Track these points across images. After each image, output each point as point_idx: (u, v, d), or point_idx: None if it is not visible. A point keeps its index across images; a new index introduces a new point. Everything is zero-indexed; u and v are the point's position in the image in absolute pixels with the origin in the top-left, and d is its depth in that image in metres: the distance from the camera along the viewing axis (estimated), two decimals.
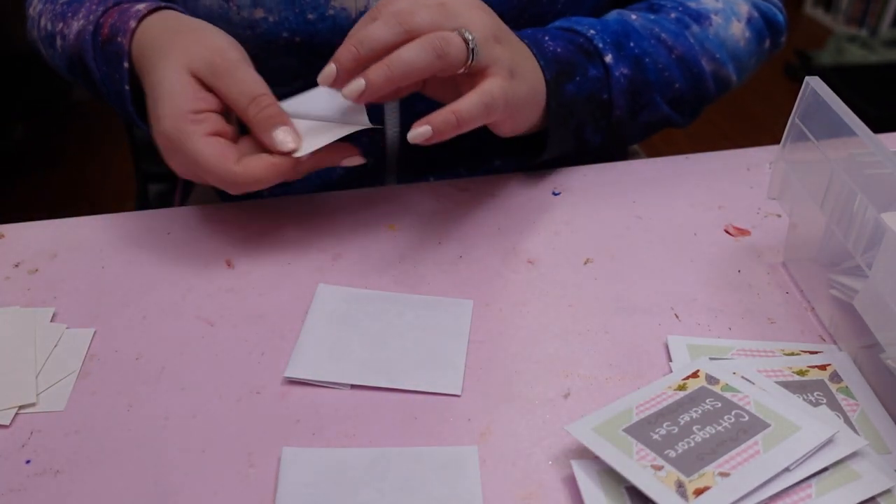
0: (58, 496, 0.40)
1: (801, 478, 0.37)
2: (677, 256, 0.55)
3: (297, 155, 0.50)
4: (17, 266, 0.54)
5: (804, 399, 0.42)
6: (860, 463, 0.38)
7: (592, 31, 0.60)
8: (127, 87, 0.56)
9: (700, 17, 0.65)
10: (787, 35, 0.72)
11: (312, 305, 0.50)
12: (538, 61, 0.56)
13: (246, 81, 0.51)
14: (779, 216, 0.58)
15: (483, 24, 0.51)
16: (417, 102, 0.67)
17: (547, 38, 0.58)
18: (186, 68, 0.51)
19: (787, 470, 0.37)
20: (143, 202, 0.92)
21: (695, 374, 0.43)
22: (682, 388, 0.42)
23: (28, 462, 0.41)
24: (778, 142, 0.51)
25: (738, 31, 0.66)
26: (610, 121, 0.61)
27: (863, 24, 2.72)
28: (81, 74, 0.63)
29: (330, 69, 0.49)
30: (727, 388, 0.42)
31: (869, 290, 0.41)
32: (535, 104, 0.56)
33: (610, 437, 0.39)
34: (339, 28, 0.62)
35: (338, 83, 0.49)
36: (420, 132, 0.49)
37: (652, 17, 0.64)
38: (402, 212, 0.59)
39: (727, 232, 0.57)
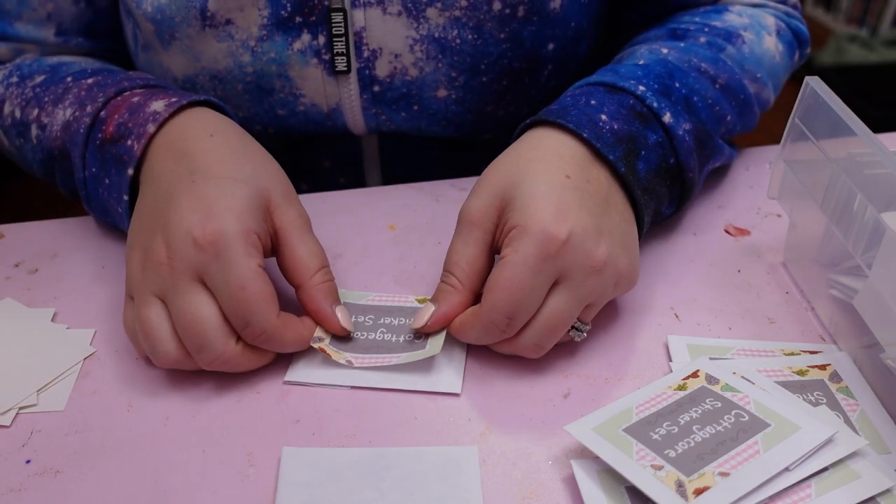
0: (58, 496, 0.40)
1: (801, 477, 0.37)
2: (677, 256, 0.55)
3: (350, 358, 0.46)
4: (17, 266, 0.54)
5: (804, 399, 0.42)
6: (860, 463, 0.38)
7: (642, 88, 0.51)
8: (126, 197, 0.49)
9: (731, 36, 0.58)
10: (809, 48, 0.67)
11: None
12: (606, 156, 0.47)
13: (318, 245, 0.46)
14: (779, 216, 0.58)
15: (602, 288, 0.44)
16: (401, 163, 0.67)
17: (594, 104, 0.49)
18: (268, 193, 0.45)
19: (786, 470, 0.37)
20: None
21: (695, 374, 0.43)
22: (682, 388, 0.42)
23: (28, 462, 0.41)
24: (778, 142, 0.51)
25: (772, 45, 0.60)
26: (684, 185, 0.52)
27: (863, 24, 2.72)
28: (60, 171, 0.55)
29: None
30: (727, 387, 0.42)
31: (869, 290, 0.41)
32: (630, 224, 0.48)
33: (609, 437, 0.39)
34: (312, 121, 0.62)
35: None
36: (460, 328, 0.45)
37: (682, 45, 0.56)
38: (402, 212, 0.59)
39: (727, 232, 0.57)
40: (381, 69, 0.59)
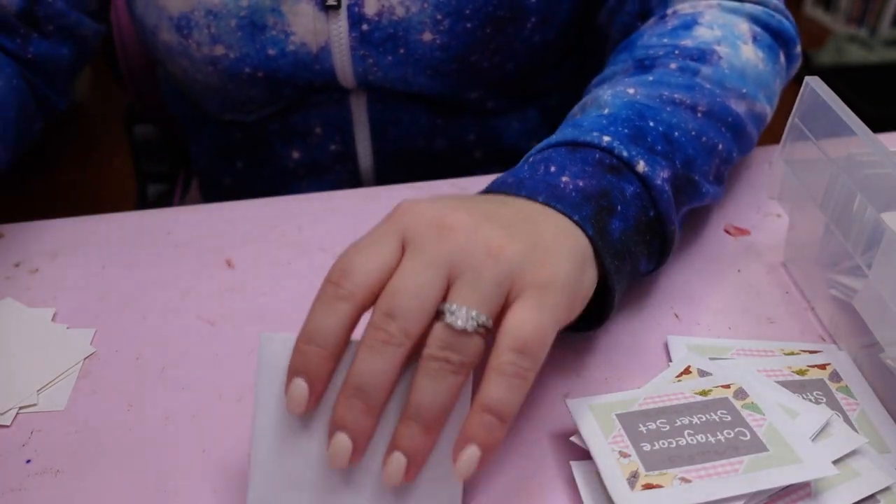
0: (58, 496, 0.40)
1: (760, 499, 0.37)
2: (677, 256, 0.55)
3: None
4: (17, 266, 0.54)
5: (804, 398, 0.42)
6: (860, 461, 0.38)
7: (607, 138, 0.45)
8: None
9: (704, 55, 0.52)
10: (797, 47, 0.61)
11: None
12: (568, 217, 0.41)
13: None
14: (779, 216, 0.58)
15: (464, 253, 0.36)
16: (390, 127, 0.67)
17: (553, 169, 0.43)
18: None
19: (756, 494, 0.36)
20: (142, 202, 0.92)
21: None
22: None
23: (28, 462, 0.41)
24: (778, 142, 0.51)
25: (751, 54, 0.54)
26: (665, 240, 0.47)
27: (863, 24, 2.72)
28: None
29: (297, 396, 0.35)
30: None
31: (868, 290, 0.41)
32: (586, 276, 0.40)
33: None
34: (301, 62, 0.62)
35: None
36: (466, 464, 0.34)
37: (650, 79, 0.51)
38: None
39: (727, 232, 0.57)
40: (370, 7, 0.60)
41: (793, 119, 0.48)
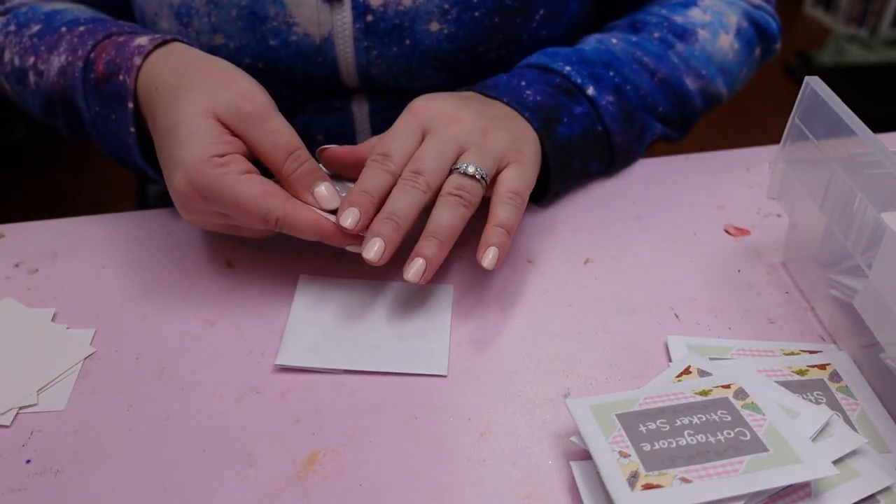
0: (58, 496, 0.40)
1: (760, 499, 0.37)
2: (677, 256, 0.55)
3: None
4: (17, 266, 0.54)
5: (804, 398, 0.42)
6: (860, 461, 0.38)
7: (568, 68, 0.59)
8: (132, 129, 0.53)
9: (686, 33, 0.64)
10: (787, 35, 0.69)
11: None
12: (523, 115, 0.55)
13: (281, 132, 0.49)
14: (779, 216, 0.58)
15: (469, 135, 0.50)
16: (389, 105, 0.67)
17: (524, 84, 0.57)
18: (211, 112, 0.48)
19: (756, 494, 0.36)
20: (142, 202, 0.92)
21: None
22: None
23: (28, 462, 0.41)
24: (778, 142, 0.51)
25: (726, 43, 0.65)
26: (612, 149, 0.61)
27: (863, 24, 2.72)
28: (63, 114, 0.59)
29: (353, 217, 0.47)
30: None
31: (869, 290, 0.41)
32: (538, 159, 0.55)
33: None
34: (303, 54, 0.61)
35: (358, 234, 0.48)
36: (491, 258, 0.47)
37: (634, 38, 0.63)
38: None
39: (727, 232, 0.57)
40: None
41: (793, 119, 0.48)
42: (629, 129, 0.61)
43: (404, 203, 0.47)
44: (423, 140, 0.50)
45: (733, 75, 0.67)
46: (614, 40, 0.62)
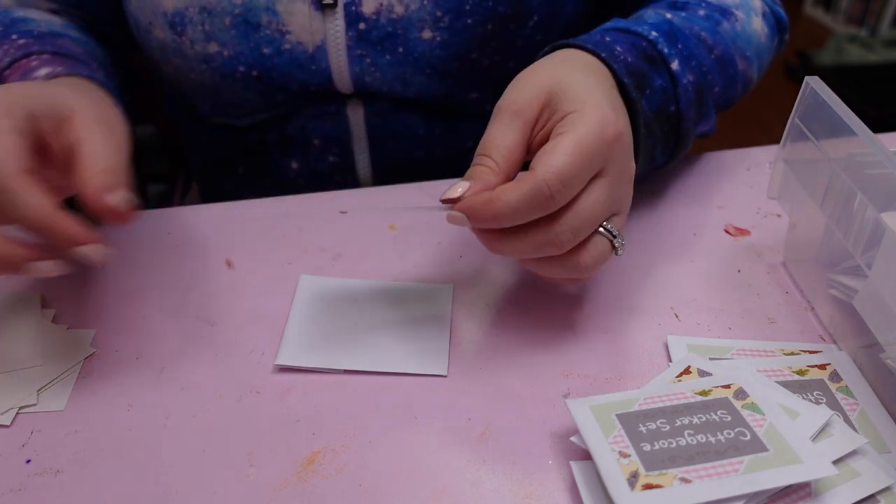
0: (58, 496, 0.40)
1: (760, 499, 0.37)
2: (677, 256, 0.55)
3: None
4: None
5: (804, 398, 0.42)
6: (860, 461, 0.38)
7: (655, 34, 0.53)
8: None
9: (726, 12, 0.59)
10: (788, 35, 0.69)
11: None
12: (618, 78, 0.48)
13: (104, 144, 0.43)
14: (779, 216, 0.58)
15: (628, 198, 0.45)
16: (388, 141, 0.67)
17: (608, 39, 0.51)
18: (32, 102, 0.43)
19: (756, 494, 0.36)
20: (142, 202, 0.92)
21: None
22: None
23: (28, 462, 0.41)
24: (778, 142, 0.51)
25: (759, 26, 0.62)
26: (678, 136, 0.54)
27: (863, 24, 2.72)
28: None
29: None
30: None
31: (869, 290, 0.41)
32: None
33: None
34: (297, 62, 0.61)
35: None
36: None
37: (683, 14, 0.58)
38: (401, 211, 0.59)
39: (727, 232, 0.57)
40: (368, 5, 0.59)
41: (793, 119, 0.48)
42: (696, 115, 0.55)
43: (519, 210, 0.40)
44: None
45: (763, 61, 0.64)
46: (668, 15, 0.56)
